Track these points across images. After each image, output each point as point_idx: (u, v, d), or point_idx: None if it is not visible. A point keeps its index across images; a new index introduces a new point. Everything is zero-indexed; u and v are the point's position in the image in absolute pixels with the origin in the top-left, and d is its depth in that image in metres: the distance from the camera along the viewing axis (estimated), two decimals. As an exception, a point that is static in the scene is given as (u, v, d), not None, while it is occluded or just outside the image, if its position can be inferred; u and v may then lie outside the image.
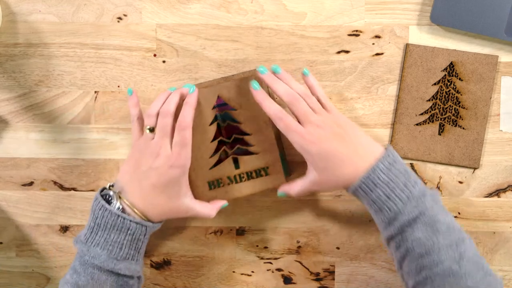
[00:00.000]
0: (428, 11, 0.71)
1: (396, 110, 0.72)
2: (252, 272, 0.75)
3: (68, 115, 0.73)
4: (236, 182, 0.69)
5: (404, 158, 0.73)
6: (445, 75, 0.72)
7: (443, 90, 0.72)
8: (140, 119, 0.67)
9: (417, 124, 0.72)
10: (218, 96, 0.68)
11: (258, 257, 0.75)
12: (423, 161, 0.73)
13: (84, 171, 0.74)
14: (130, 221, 0.62)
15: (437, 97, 0.72)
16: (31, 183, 0.74)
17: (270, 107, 0.64)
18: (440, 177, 0.73)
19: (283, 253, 0.75)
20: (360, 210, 0.74)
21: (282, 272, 0.75)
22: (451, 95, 0.72)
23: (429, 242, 0.59)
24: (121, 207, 0.63)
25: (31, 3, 0.71)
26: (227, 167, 0.69)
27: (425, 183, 0.73)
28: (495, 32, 0.70)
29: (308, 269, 0.75)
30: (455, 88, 0.72)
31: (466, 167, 0.73)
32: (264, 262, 0.75)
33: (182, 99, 0.66)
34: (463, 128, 0.72)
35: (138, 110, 0.67)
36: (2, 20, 0.71)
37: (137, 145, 0.65)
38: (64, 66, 0.72)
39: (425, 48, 0.71)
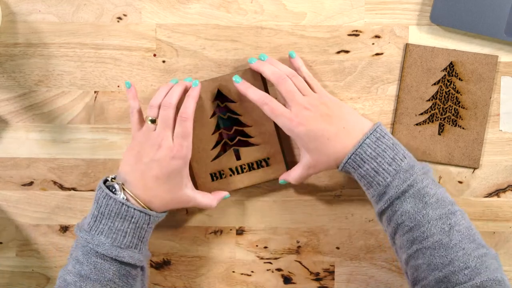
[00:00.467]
0: (428, 11, 0.71)
1: (396, 110, 0.72)
2: (252, 272, 0.75)
3: (68, 115, 0.73)
4: (238, 174, 0.71)
5: (404, 158, 0.73)
6: (445, 75, 0.71)
7: (443, 90, 0.72)
8: (140, 111, 0.68)
9: (417, 124, 0.72)
10: (218, 89, 0.70)
11: (258, 257, 0.75)
12: (423, 161, 0.73)
13: (84, 171, 0.74)
14: (134, 209, 0.62)
15: (437, 97, 0.72)
16: (31, 183, 0.74)
17: (254, 94, 0.66)
18: (440, 177, 0.73)
19: (283, 253, 0.75)
20: (360, 210, 0.74)
21: (282, 272, 0.75)
22: (451, 95, 0.72)
23: (419, 215, 0.60)
24: (125, 197, 0.63)
25: (31, 3, 0.71)
26: (228, 158, 0.70)
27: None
28: (495, 32, 0.70)
29: (308, 269, 0.75)
30: (455, 88, 0.72)
31: (466, 167, 0.73)
32: (264, 262, 0.75)
33: (184, 93, 0.67)
34: (463, 128, 0.72)
35: (137, 102, 0.68)
36: (2, 20, 0.71)
37: (138, 136, 0.66)
38: (64, 66, 0.72)
39: (425, 48, 0.71)
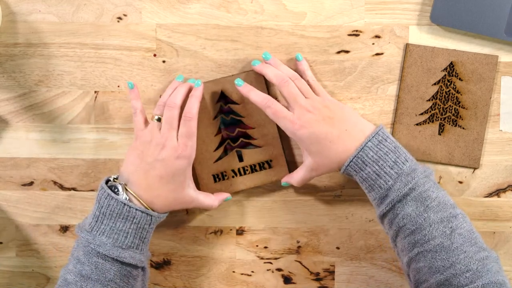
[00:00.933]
0: (428, 11, 0.71)
1: (396, 110, 0.72)
2: (252, 272, 0.75)
3: (68, 115, 0.73)
4: (240, 175, 0.71)
5: (404, 158, 0.73)
6: (445, 75, 0.71)
7: (443, 90, 0.72)
8: (142, 111, 0.68)
9: (417, 124, 0.72)
10: (222, 91, 0.70)
11: (258, 257, 0.75)
12: (423, 161, 0.73)
13: (84, 171, 0.74)
14: (136, 209, 0.62)
15: (437, 97, 0.72)
16: (31, 183, 0.74)
17: (257, 97, 0.67)
18: (440, 177, 0.73)
19: (283, 253, 0.75)
20: (360, 210, 0.74)
21: (282, 272, 0.75)
22: (451, 95, 0.72)
23: (420, 218, 0.60)
24: (127, 198, 0.63)
25: (31, 3, 0.71)
26: (231, 160, 0.71)
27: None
28: (495, 32, 0.70)
29: (308, 269, 0.75)
30: (455, 88, 0.72)
31: (466, 167, 0.73)
32: (264, 262, 0.75)
33: (188, 93, 0.68)
34: (463, 128, 0.72)
35: (140, 103, 0.68)
36: (2, 20, 0.71)
37: (142, 136, 0.66)
38: (64, 66, 0.72)
39: (425, 48, 0.71)
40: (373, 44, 0.72)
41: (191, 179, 0.67)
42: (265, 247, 0.75)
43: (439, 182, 0.73)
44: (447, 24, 0.70)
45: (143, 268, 0.65)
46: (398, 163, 0.61)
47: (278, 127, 0.71)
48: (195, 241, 0.75)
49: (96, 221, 0.62)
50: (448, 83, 0.71)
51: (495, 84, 0.72)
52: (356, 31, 0.72)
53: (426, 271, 0.59)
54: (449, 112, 0.72)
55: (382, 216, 0.63)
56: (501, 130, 0.73)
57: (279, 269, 0.75)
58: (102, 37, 0.72)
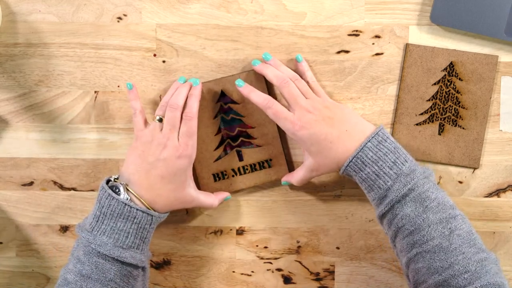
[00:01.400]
0: (428, 11, 0.71)
1: (396, 110, 0.72)
2: (252, 272, 0.75)
3: (68, 115, 0.73)
4: (240, 174, 0.72)
5: (404, 158, 0.73)
6: (445, 75, 0.71)
7: (443, 90, 0.72)
8: (142, 112, 0.68)
9: (417, 124, 0.72)
10: (222, 90, 0.70)
11: (258, 257, 0.75)
12: (423, 161, 0.73)
13: (84, 171, 0.74)
14: (137, 209, 0.62)
15: (437, 97, 0.72)
16: (31, 183, 0.74)
17: (257, 97, 0.67)
18: (440, 177, 0.73)
19: (283, 253, 0.75)
20: (360, 210, 0.74)
21: (282, 272, 0.75)
22: (451, 95, 0.72)
23: (419, 219, 0.60)
24: (129, 198, 0.63)
25: (31, 3, 0.71)
26: (231, 159, 0.71)
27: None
28: (495, 32, 0.70)
29: (308, 269, 0.75)
30: (455, 88, 0.72)
31: (466, 167, 0.73)
32: (264, 262, 0.75)
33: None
34: (463, 128, 0.72)
35: (139, 103, 0.68)
36: (2, 20, 0.71)
37: (142, 136, 0.66)
38: (64, 66, 0.72)
39: (425, 48, 0.71)
40: (373, 44, 0.72)
41: (192, 178, 0.68)
42: (265, 247, 0.75)
43: (439, 182, 0.73)
44: (447, 24, 0.70)
45: (143, 268, 0.65)
46: (397, 164, 0.61)
47: (278, 127, 0.71)
48: (195, 241, 0.75)
49: (97, 221, 0.62)
50: (448, 83, 0.71)
51: (495, 84, 0.72)
52: (356, 31, 0.72)
53: (424, 271, 0.58)
54: (449, 112, 0.72)
55: (381, 217, 0.63)
56: (501, 130, 0.73)
57: (279, 269, 0.75)
58: (102, 37, 0.72)
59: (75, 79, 0.72)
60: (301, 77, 0.68)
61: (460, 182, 0.73)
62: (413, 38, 0.72)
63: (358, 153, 0.62)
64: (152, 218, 0.64)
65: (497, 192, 0.73)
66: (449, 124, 0.72)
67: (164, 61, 0.72)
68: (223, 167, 0.71)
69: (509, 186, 0.73)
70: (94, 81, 0.72)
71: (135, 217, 0.62)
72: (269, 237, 0.75)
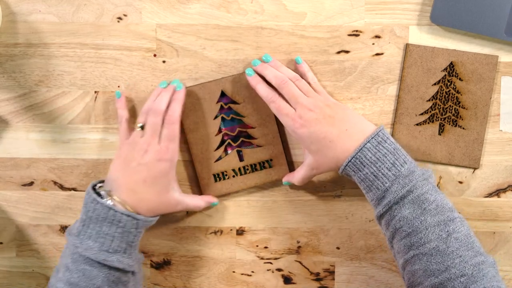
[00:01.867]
0: (428, 11, 0.71)
1: (396, 110, 0.72)
2: (252, 272, 0.75)
3: (68, 115, 0.73)
4: (241, 174, 0.72)
5: (404, 158, 0.73)
6: (445, 75, 0.71)
7: (443, 90, 0.72)
8: (128, 121, 0.69)
9: (417, 124, 0.72)
10: (222, 91, 0.70)
11: (258, 257, 0.75)
12: (423, 161, 0.73)
13: (84, 171, 0.74)
14: (121, 213, 0.62)
15: (437, 97, 0.72)
16: (31, 183, 0.74)
17: (263, 90, 0.67)
18: (440, 177, 0.73)
19: (283, 253, 0.75)
20: (360, 210, 0.74)
21: (282, 272, 0.75)
22: (451, 95, 0.72)
23: (416, 221, 0.59)
24: (112, 203, 0.63)
25: (31, 3, 0.71)
26: (231, 160, 0.71)
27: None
28: (495, 32, 0.70)
29: (308, 269, 0.75)
30: (455, 88, 0.72)
31: (466, 167, 0.73)
32: (264, 262, 0.75)
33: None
34: (463, 128, 0.72)
35: (126, 112, 0.70)
36: (2, 20, 0.71)
37: (126, 143, 0.67)
38: (64, 66, 0.72)
39: (425, 48, 0.71)
40: (373, 44, 0.72)
41: (176, 182, 0.68)
42: (265, 247, 0.75)
43: (439, 182, 0.73)
44: (447, 24, 0.70)
45: (133, 273, 0.65)
46: (396, 165, 0.61)
47: (279, 127, 0.71)
48: (195, 241, 0.75)
49: (83, 225, 0.63)
50: (448, 83, 0.71)
51: (495, 84, 0.72)
52: (356, 31, 0.72)
53: (421, 274, 0.58)
54: (449, 112, 0.72)
55: (380, 217, 0.63)
56: (501, 130, 0.73)
57: (279, 269, 0.75)
58: (102, 37, 0.72)
59: (75, 79, 0.72)
60: (303, 78, 0.69)
61: (460, 182, 0.73)
62: (413, 38, 0.72)
63: (357, 153, 0.62)
64: (137, 222, 0.64)
65: (497, 192, 0.73)
66: (449, 124, 0.72)
67: (164, 61, 0.72)
68: (224, 168, 0.72)
69: (509, 186, 0.73)
70: (94, 81, 0.72)
71: (119, 221, 0.62)
72: (269, 237, 0.75)
